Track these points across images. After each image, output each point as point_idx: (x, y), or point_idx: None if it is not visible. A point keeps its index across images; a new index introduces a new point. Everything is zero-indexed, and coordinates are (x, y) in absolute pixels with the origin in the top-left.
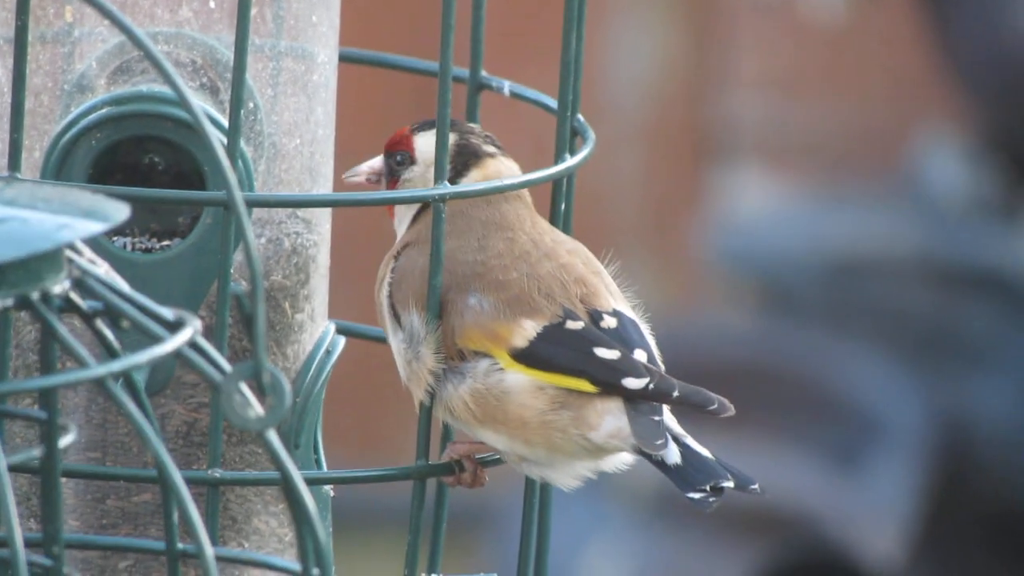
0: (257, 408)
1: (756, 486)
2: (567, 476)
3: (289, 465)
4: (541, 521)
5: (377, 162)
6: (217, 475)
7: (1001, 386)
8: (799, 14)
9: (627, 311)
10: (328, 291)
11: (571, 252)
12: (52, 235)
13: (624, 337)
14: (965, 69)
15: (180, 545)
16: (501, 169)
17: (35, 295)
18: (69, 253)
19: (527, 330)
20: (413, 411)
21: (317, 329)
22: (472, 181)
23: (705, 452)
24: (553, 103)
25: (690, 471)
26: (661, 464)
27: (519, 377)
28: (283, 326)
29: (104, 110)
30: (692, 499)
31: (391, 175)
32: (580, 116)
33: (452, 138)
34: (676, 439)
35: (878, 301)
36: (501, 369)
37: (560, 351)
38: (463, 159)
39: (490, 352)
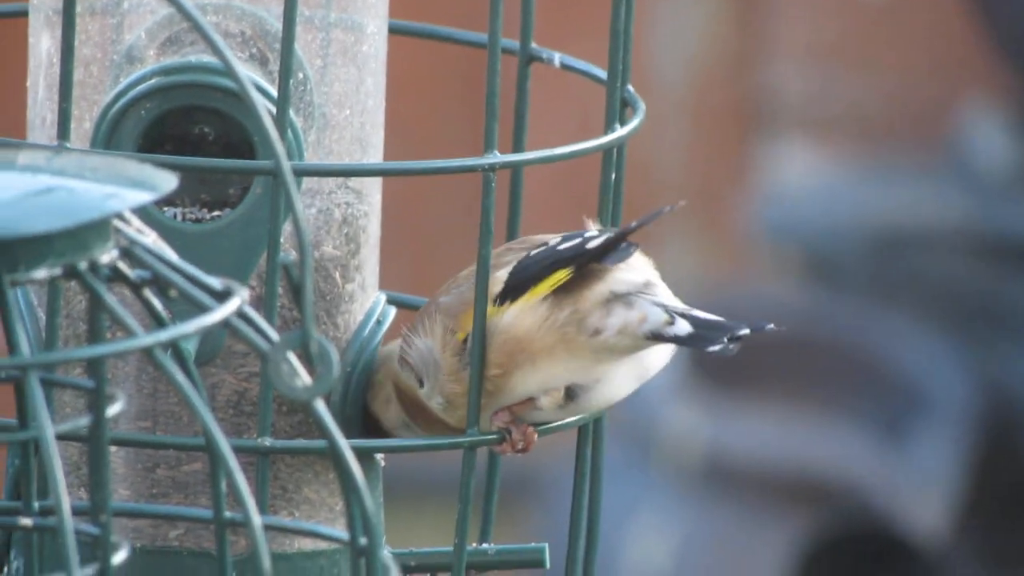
0: (305, 377)
1: (771, 325)
2: (618, 386)
3: (337, 434)
4: (592, 491)
5: None
6: (267, 444)
7: None
8: None
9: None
10: (379, 262)
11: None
12: (100, 205)
13: (579, 234)
14: (1009, 40)
15: (228, 514)
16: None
17: (83, 265)
18: (117, 223)
19: (501, 277)
20: None
21: (367, 299)
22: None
23: (714, 316)
24: (603, 74)
25: (704, 332)
26: (676, 339)
27: (510, 311)
28: (334, 296)
29: (153, 80)
30: (712, 351)
31: None
32: (630, 87)
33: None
34: (683, 314)
35: (923, 273)
36: (495, 318)
37: (529, 267)
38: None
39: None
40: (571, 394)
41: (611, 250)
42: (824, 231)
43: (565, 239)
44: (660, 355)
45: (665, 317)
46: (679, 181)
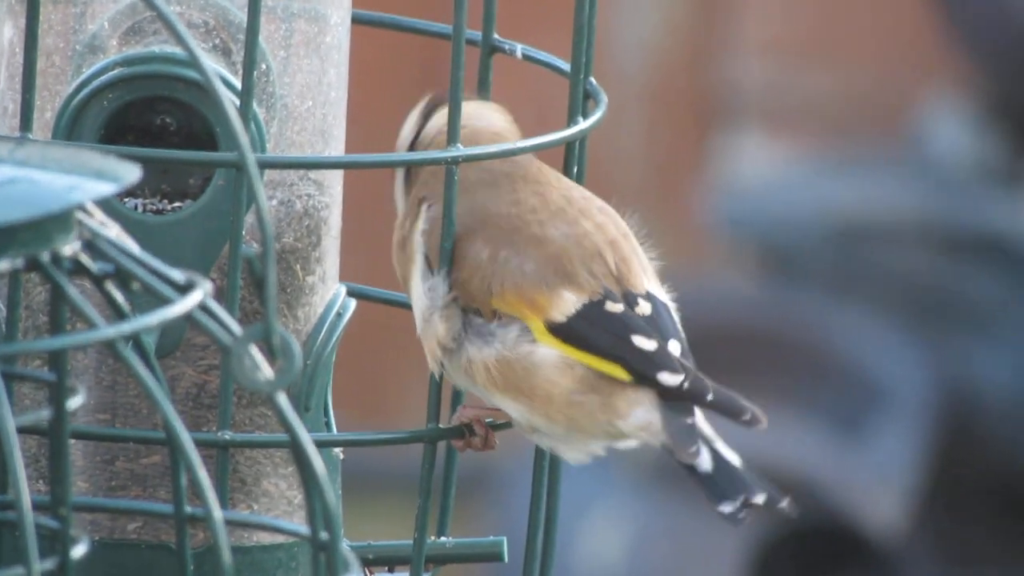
0: (267, 370)
1: (785, 503)
2: (578, 452)
3: (298, 428)
4: (551, 486)
5: None
6: (227, 437)
7: (1005, 352)
8: None
9: (659, 293)
10: (339, 254)
11: (602, 211)
12: (63, 196)
13: (660, 325)
14: (970, 33)
15: (188, 508)
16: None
17: (45, 256)
18: (79, 214)
19: (567, 303)
20: (422, 375)
21: (328, 291)
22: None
23: (736, 461)
24: (565, 66)
25: (721, 482)
26: (691, 470)
27: (551, 352)
28: (294, 288)
29: (116, 71)
30: (723, 513)
31: None
32: (592, 79)
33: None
34: (707, 444)
35: (882, 266)
36: (533, 340)
37: (597, 332)
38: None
39: (524, 318)
40: (538, 431)
41: (680, 399)
42: (783, 224)
43: (648, 320)
44: (629, 446)
45: (690, 442)
46: (637, 173)
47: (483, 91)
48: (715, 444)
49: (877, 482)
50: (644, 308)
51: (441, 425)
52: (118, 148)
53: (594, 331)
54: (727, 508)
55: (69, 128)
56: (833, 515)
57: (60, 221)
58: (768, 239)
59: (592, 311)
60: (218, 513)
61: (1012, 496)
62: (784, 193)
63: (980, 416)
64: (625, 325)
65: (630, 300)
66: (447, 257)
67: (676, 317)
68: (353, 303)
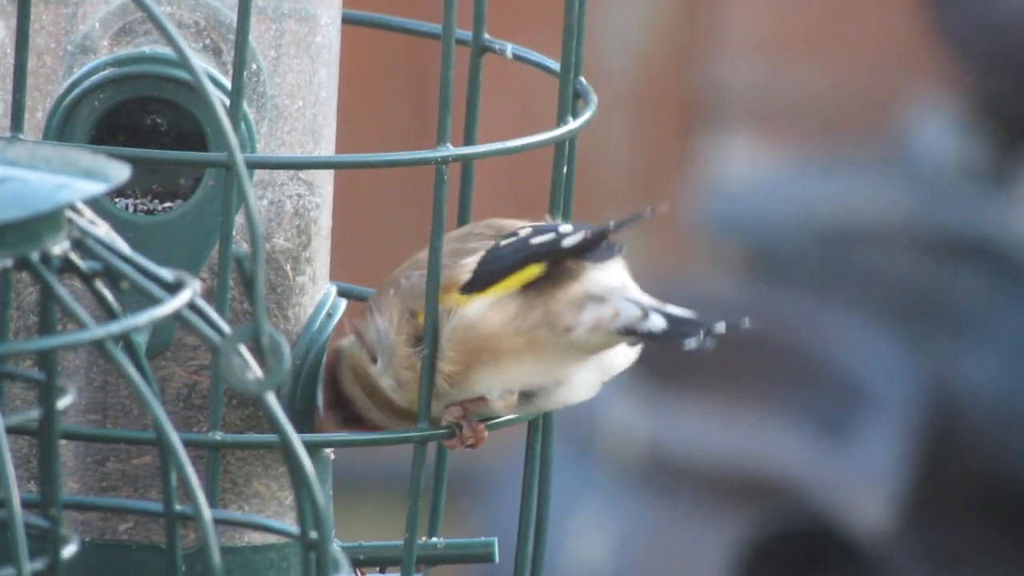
0: (256, 370)
1: (747, 320)
2: (577, 389)
3: (287, 428)
4: (541, 486)
5: None
6: (217, 438)
7: (990, 355)
8: None
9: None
10: (329, 254)
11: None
12: (52, 195)
13: (550, 228)
14: (956, 34)
15: (178, 507)
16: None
17: (35, 256)
18: (69, 214)
19: (468, 265)
20: None
21: (318, 292)
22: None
23: (687, 312)
24: (555, 66)
25: (679, 328)
26: (650, 335)
27: (476, 303)
28: (284, 288)
29: (107, 71)
30: (689, 347)
31: None
32: (582, 78)
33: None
34: (656, 309)
35: (867, 268)
36: (460, 308)
37: (499, 261)
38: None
39: (444, 304)
40: (528, 395)
41: (589, 249)
42: (769, 225)
43: (537, 232)
44: (623, 356)
45: (638, 312)
46: (624, 173)
47: (473, 92)
48: (664, 308)
49: (862, 484)
50: (529, 231)
51: (431, 420)
52: (108, 148)
53: (496, 262)
54: (691, 342)
55: (60, 128)
56: (818, 517)
57: (50, 220)
58: (754, 240)
59: (490, 253)
60: (207, 513)
61: (996, 498)
62: (770, 194)
63: (965, 418)
64: (522, 240)
65: (519, 232)
66: (438, 254)
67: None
68: (344, 303)
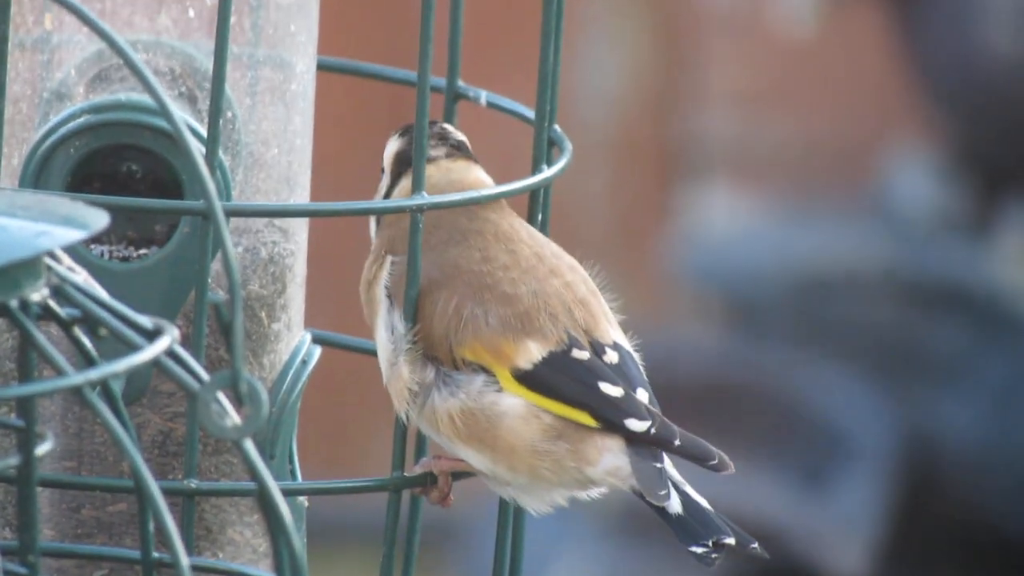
0: (234, 417)
1: (756, 545)
2: (541, 502)
3: (265, 475)
4: (515, 536)
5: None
6: (193, 485)
7: (967, 402)
8: (767, 29)
9: (625, 343)
10: (304, 301)
11: (572, 269)
12: (31, 242)
13: (626, 374)
14: (935, 84)
15: (155, 554)
16: (445, 174)
17: (13, 302)
18: (48, 260)
19: (532, 352)
20: (387, 422)
21: (293, 339)
22: (403, 188)
23: (705, 504)
24: (529, 113)
25: (692, 524)
26: (662, 512)
27: (516, 401)
28: (259, 335)
29: (83, 118)
30: (695, 553)
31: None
32: (556, 126)
33: (398, 144)
34: (676, 487)
35: (846, 317)
36: (498, 390)
37: (564, 379)
38: (402, 166)
39: (490, 367)
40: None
41: (650, 445)
42: (747, 274)
43: (614, 368)
44: (592, 494)
45: (659, 485)
46: (603, 222)
47: None
48: (685, 488)
49: (842, 530)
50: (611, 357)
51: (406, 473)
52: (86, 196)
53: (560, 378)
54: (699, 549)
55: (36, 175)
56: (799, 563)
57: (28, 267)
58: (733, 290)
59: (558, 359)
60: (185, 560)
61: (973, 544)
62: (749, 244)
63: (943, 466)
64: (591, 372)
65: (597, 349)
66: (412, 304)
67: (641, 367)
68: (318, 350)
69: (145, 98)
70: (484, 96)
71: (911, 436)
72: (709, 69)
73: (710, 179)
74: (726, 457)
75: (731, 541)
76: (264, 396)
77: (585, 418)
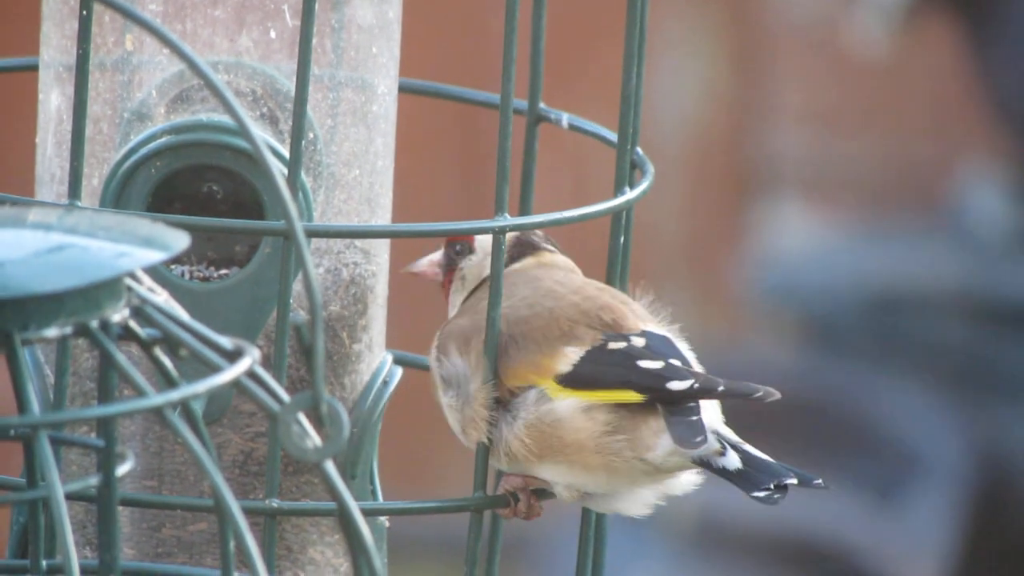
0: (315, 439)
1: (820, 481)
2: (634, 503)
3: (346, 496)
4: (595, 559)
5: (437, 255)
6: (274, 505)
7: None
8: (842, 49)
9: (656, 329)
10: (385, 321)
11: (599, 289)
12: (112, 263)
13: (660, 351)
14: (1007, 104)
15: (236, 574)
16: (557, 262)
17: (94, 323)
18: (129, 281)
19: (570, 356)
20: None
21: (375, 359)
22: (527, 267)
23: (764, 456)
24: (611, 135)
25: (753, 473)
26: (724, 472)
27: (569, 401)
28: (341, 356)
29: (163, 139)
30: (758, 497)
31: (449, 265)
32: (639, 149)
33: (512, 235)
34: (735, 447)
35: (919, 336)
36: (550, 398)
37: (604, 368)
38: (520, 249)
39: (536, 383)
40: (586, 495)
41: (692, 400)
42: (820, 293)
43: (648, 349)
44: (684, 484)
45: (717, 446)
46: (678, 241)
47: (529, 160)
48: (743, 446)
49: (915, 548)
50: (638, 342)
51: (487, 493)
52: (167, 216)
53: (600, 368)
54: (760, 493)
55: (117, 195)
56: None
57: (109, 288)
58: (807, 308)
59: (595, 354)
60: None
61: None
62: (822, 262)
63: (1016, 484)
64: (629, 355)
65: (629, 339)
66: (495, 327)
67: (679, 342)
68: (399, 371)
69: (226, 119)
70: (566, 118)
71: (983, 454)
72: (783, 88)
73: (784, 198)
74: (771, 389)
75: (793, 480)
76: (345, 417)
77: (630, 395)
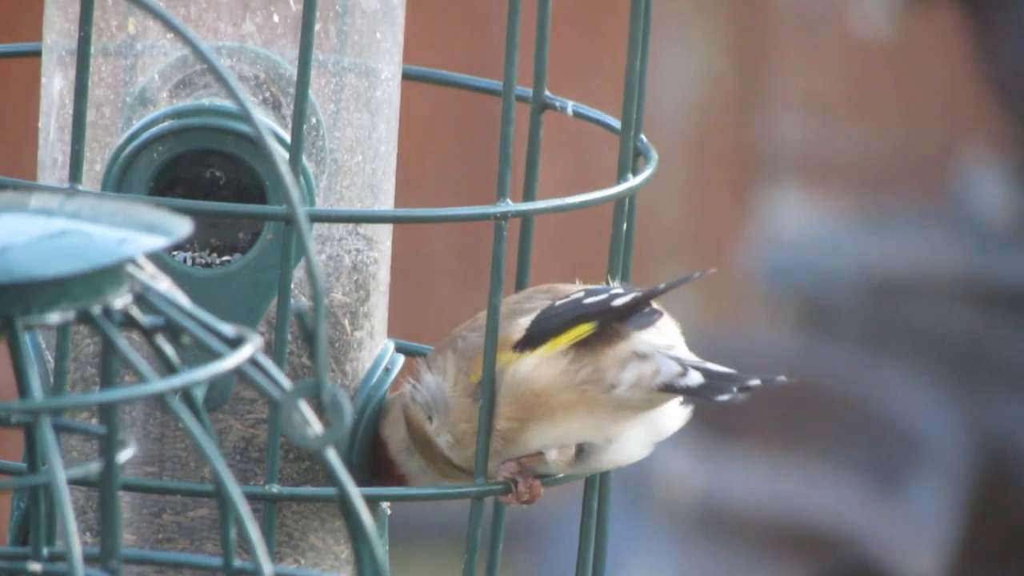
0: (317, 426)
1: (782, 377)
2: (630, 447)
3: (348, 483)
4: (598, 543)
5: None
6: (275, 491)
7: None
8: (844, 34)
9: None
10: (387, 309)
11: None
12: (114, 249)
13: (602, 290)
14: (1010, 89)
15: (238, 562)
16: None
17: (96, 309)
18: (131, 267)
19: (522, 324)
20: None
21: (376, 347)
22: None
23: (726, 369)
24: (615, 123)
25: (715, 383)
26: (688, 389)
27: (529, 359)
28: (342, 343)
29: (166, 123)
30: (721, 400)
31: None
32: (643, 136)
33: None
34: (695, 366)
35: (920, 321)
36: (515, 366)
37: (554, 318)
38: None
39: (501, 363)
40: (582, 453)
41: (636, 311)
42: (822, 279)
43: (590, 293)
44: (674, 417)
45: (678, 369)
46: (678, 226)
47: (533, 148)
48: (705, 365)
49: (913, 535)
50: (581, 294)
51: (488, 477)
52: (169, 201)
53: (551, 320)
54: (724, 396)
55: (119, 180)
56: (870, 568)
57: (111, 274)
58: (807, 293)
59: (545, 312)
60: (268, 567)
61: None
62: (823, 248)
63: (1016, 470)
64: (575, 301)
65: (571, 295)
66: (495, 313)
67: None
68: (401, 359)
69: (229, 103)
70: (571, 106)
71: (984, 440)
72: (786, 73)
73: (786, 183)
74: (696, 273)
75: (756, 381)
76: (347, 405)
77: (582, 328)
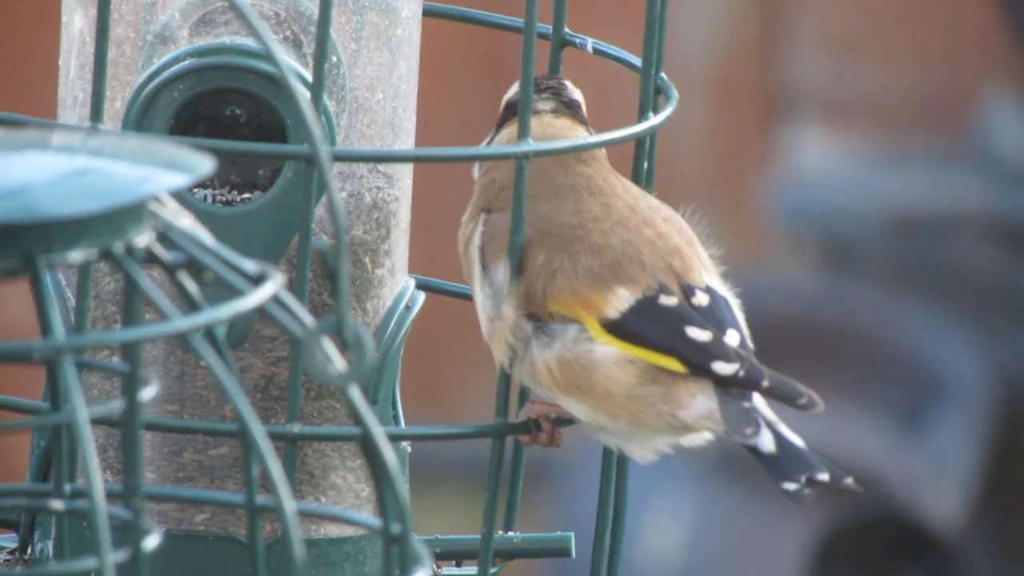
0: (339, 363)
1: (850, 480)
2: (645, 449)
3: (370, 420)
4: (619, 482)
5: None
6: (296, 430)
7: None
8: None
9: (719, 287)
10: (408, 246)
11: (667, 220)
12: (136, 187)
13: (716, 316)
14: None
15: (260, 499)
16: (544, 129)
17: (118, 247)
18: (153, 205)
19: (620, 300)
20: (490, 369)
21: (397, 284)
22: (504, 135)
23: (799, 441)
24: (636, 61)
25: (785, 461)
26: (754, 451)
27: (608, 349)
28: (363, 281)
29: (187, 62)
30: (787, 490)
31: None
32: (663, 74)
33: (511, 92)
34: (770, 426)
35: (941, 259)
36: (590, 339)
37: (651, 326)
38: (509, 114)
39: (580, 319)
40: (603, 428)
41: (736, 386)
42: (842, 216)
43: (704, 311)
44: (701, 438)
45: (747, 423)
46: (700, 164)
47: None
48: (778, 427)
49: (937, 474)
50: (701, 299)
51: (509, 420)
52: (190, 139)
53: (647, 325)
54: (791, 486)
55: (139, 118)
56: (893, 507)
57: (134, 212)
58: (829, 232)
59: (645, 306)
60: (291, 505)
61: None
62: (845, 186)
63: None
64: (678, 317)
65: (687, 292)
66: (517, 251)
67: (736, 307)
68: (422, 296)
69: (250, 42)
70: (591, 43)
71: (1006, 379)
72: (807, 13)
73: (807, 122)
74: (815, 396)
75: (824, 477)
76: (369, 342)
77: (673, 364)
